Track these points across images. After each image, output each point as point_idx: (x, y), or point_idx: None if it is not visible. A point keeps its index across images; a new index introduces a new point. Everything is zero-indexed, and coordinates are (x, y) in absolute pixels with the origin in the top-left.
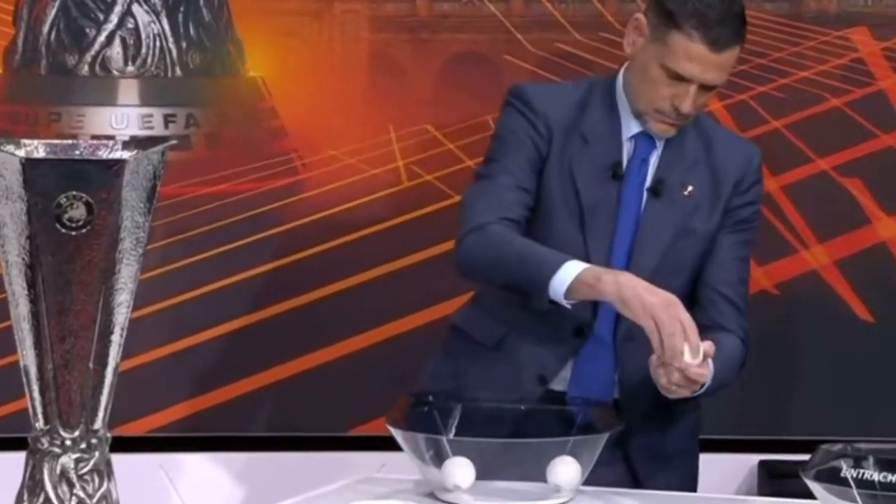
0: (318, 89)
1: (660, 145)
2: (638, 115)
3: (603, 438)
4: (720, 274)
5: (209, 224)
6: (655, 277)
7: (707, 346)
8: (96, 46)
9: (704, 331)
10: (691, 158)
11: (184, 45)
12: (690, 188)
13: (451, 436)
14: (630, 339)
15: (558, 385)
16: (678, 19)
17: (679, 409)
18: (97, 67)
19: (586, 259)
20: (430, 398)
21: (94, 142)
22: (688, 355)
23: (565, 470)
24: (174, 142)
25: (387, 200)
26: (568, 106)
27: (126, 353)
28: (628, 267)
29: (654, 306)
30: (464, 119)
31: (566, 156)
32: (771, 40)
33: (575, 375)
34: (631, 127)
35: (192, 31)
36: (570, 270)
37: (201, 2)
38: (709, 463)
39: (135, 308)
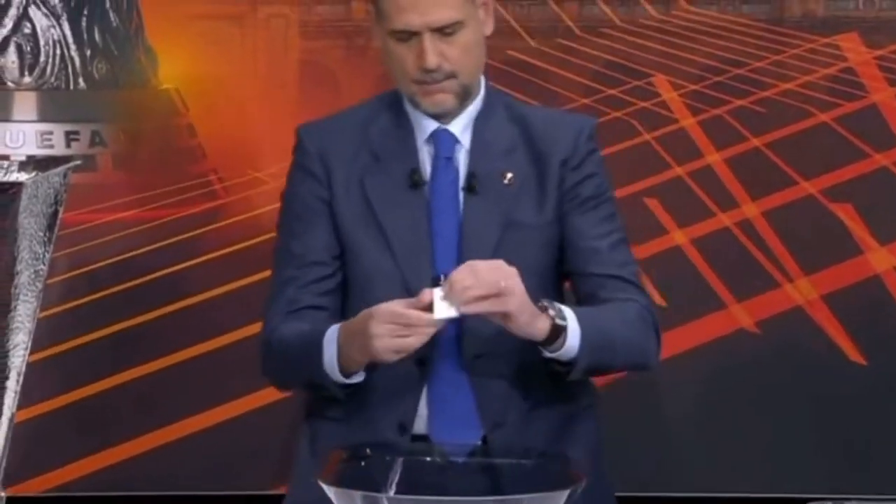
0: (240, 103)
1: (466, 138)
2: (416, 105)
3: (563, 496)
4: (591, 256)
5: (117, 255)
6: None
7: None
8: None
9: None
10: (505, 145)
11: (88, 53)
12: (510, 175)
13: (392, 493)
14: (480, 356)
15: (419, 428)
16: None
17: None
18: None
19: (406, 287)
20: (368, 452)
21: None
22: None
23: None
24: (78, 162)
25: None
26: (349, 131)
27: (24, 402)
28: None
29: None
30: None
31: (355, 182)
32: (749, 48)
33: (432, 412)
34: (425, 127)
35: (97, 37)
36: (329, 346)
37: (108, 4)
38: None
39: (33, 350)
